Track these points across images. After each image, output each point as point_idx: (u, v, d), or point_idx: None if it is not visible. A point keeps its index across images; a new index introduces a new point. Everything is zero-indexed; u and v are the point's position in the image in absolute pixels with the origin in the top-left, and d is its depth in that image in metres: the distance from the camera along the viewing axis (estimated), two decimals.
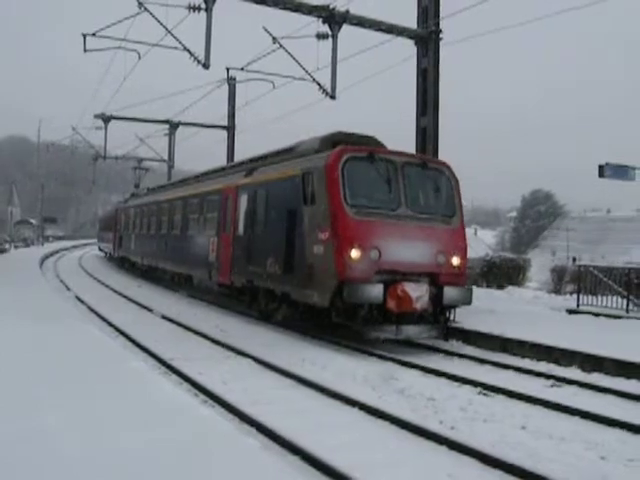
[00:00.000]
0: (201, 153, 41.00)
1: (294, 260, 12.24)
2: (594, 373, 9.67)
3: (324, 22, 15.23)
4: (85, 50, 17.13)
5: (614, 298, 14.68)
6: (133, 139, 35.06)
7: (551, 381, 9.30)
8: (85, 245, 67.55)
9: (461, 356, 11.16)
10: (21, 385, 6.66)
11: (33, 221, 76.13)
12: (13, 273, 23.78)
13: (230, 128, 30.70)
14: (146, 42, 17.35)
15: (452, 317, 12.13)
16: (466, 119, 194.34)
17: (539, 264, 29.83)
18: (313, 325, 12.63)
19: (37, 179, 70.58)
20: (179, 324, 13.73)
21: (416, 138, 16.06)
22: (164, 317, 14.79)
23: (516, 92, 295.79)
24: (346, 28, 15.41)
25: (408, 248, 11.31)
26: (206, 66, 14.59)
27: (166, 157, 36.21)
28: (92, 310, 15.67)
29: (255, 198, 14.50)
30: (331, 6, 14.98)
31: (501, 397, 8.32)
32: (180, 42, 15.08)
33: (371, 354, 11.05)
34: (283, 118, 46.44)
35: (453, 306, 11.95)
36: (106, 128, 31.70)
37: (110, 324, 13.43)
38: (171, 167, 37.00)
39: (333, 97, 15.99)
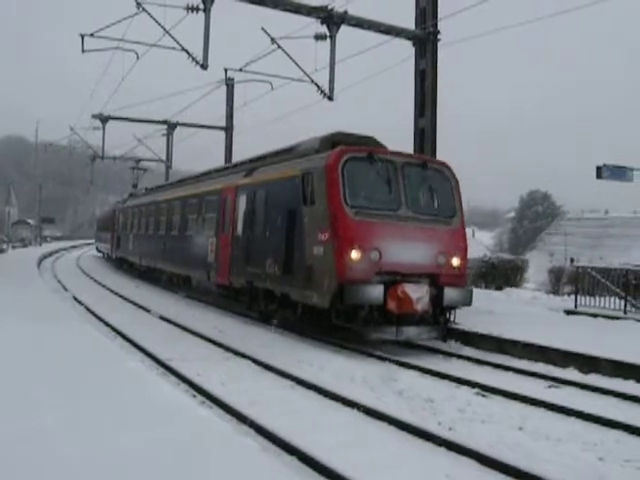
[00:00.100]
0: (199, 154, 41.06)
1: (294, 261, 12.21)
2: (591, 374, 9.68)
3: (322, 23, 15.23)
4: (83, 51, 17.13)
5: (612, 299, 14.70)
6: (131, 139, 35.05)
7: (549, 382, 9.31)
8: (83, 245, 67.47)
9: (460, 357, 11.16)
10: (20, 385, 6.66)
11: (31, 221, 76.08)
12: (11, 273, 23.74)
13: (228, 129, 30.69)
14: (144, 42, 17.37)
15: (452, 318, 12.08)
16: (465, 120, 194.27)
17: (537, 265, 29.85)
18: (313, 326, 12.60)
19: (35, 179, 70.52)
20: (177, 325, 13.72)
21: (414, 139, 16.08)
22: (162, 318, 14.77)
23: (515, 93, 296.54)
24: (344, 29, 15.41)
25: (408, 249, 11.28)
26: (204, 67, 14.59)
27: (164, 157, 36.19)
28: (90, 311, 15.65)
29: (254, 198, 14.46)
30: (329, 7, 14.98)
31: (499, 398, 8.33)
32: (178, 43, 15.08)
33: (370, 355, 11.04)
34: (281, 119, 46.55)
35: (453, 307, 11.89)
36: (104, 128, 31.64)
37: (108, 324, 13.42)
38: (169, 167, 36.96)
39: (331, 98, 16.00)
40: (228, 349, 11.00)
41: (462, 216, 12.44)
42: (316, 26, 15.34)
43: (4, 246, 45.45)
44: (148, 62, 22.53)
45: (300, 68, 16.21)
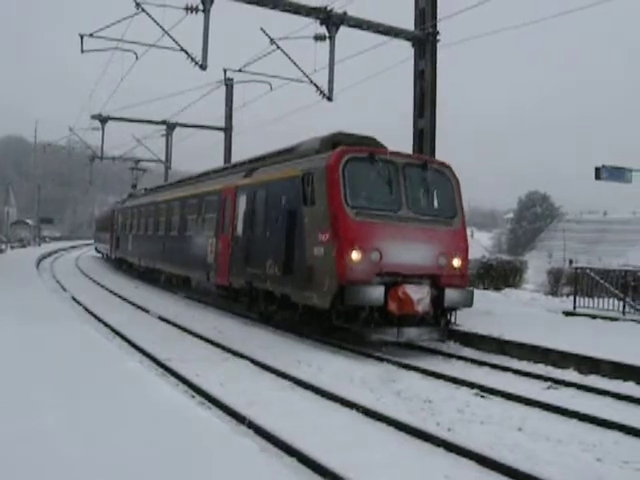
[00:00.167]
0: (198, 154, 40.94)
1: (294, 262, 12.16)
2: (591, 375, 9.67)
3: (322, 24, 15.22)
4: (82, 51, 17.13)
5: (610, 300, 14.71)
6: (130, 140, 35.04)
7: (548, 383, 9.31)
8: (82, 246, 67.45)
9: (460, 358, 11.15)
10: (20, 385, 6.65)
11: (29, 222, 76.00)
12: (9, 274, 23.72)
13: (227, 129, 30.68)
14: (143, 43, 17.36)
15: (453, 319, 12.00)
16: (464, 121, 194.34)
17: (536, 266, 29.86)
18: (313, 327, 12.58)
19: (34, 179, 70.56)
20: (176, 325, 13.71)
21: (413, 140, 16.08)
22: (161, 318, 14.76)
23: (515, 93, 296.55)
24: (344, 30, 15.42)
25: (409, 250, 11.23)
26: (203, 67, 14.58)
27: (163, 158, 36.19)
28: (88, 311, 15.63)
29: (254, 199, 14.42)
30: (329, 8, 14.98)
31: (498, 399, 8.33)
32: (177, 43, 15.08)
33: (369, 356, 11.03)
34: (281, 119, 46.45)
35: (454, 308, 11.83)
36: (103, 129, 31.63)
37: (106, 325, 13.41)
38: (168, 168, 36.96)
39: (330, 99, 15.99)
40: (227, 350, 10.99)
41: (463, 217, 12.39)
42: (315, 27, 15.35)
43: (3, 246, 45.41)
44: (147, 62, 22.56)
45: (299, 69, 16.22)
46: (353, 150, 11.70)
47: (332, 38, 15.32)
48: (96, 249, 48.03)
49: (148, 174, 42.18)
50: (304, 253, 11.81)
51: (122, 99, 28.40)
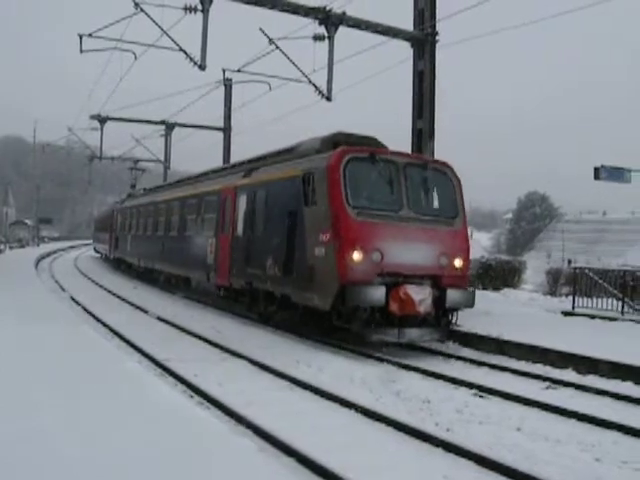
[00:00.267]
0: (197, 154, 40.96)
1: (294, 262, 12.11)
2: (589, 375, 9.68)
3: (321, 24, 15.22)
4: (81, 51, 17.12)
5: (609, 300, 14.71)
6: (129, 140, 35.04)
7: (547, 383, 9.31)
8: (81, 246, 67.43)
9: (458, 358, 11.15)
10: (20, 385, 6.65)
11: (28, 222, 75.99)
12: (8, 274, 23.70)
13: (226, 129, 30.68)
14: (142, 43, 17.37)
15: (455, 320, 11.96)
16: (465, 121, 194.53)
17: (535, 266, 29.88)
18: (313, 328, 12.55)
19: (32, 180, 70.50)
20: (175, 325, 13.70)
21: (412, 140, 16.08)
22: (160, 318, 14.75)
23: (516, 93, 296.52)
24: (342, 30, 15.41)
25: (410, 250, 11.18)
26: (202, 67, 14.57)
27: (162, 158, 36.19)
28: (87, 311, 15.62)
29: (254, 199, 14.39)
30: (328, 8, 14.98)
31: (497, 399, 8.33)
32: (176, 43, 15.08)
33: (369, 356, 11.02)
34: (280, 119, 46.36)
35: (456, 309, 11.78)
36: (102, 129, 31.66)
37: (105, 325, 13.40)
38: (167, 168, 36.97)
39: (329, 99, 15.99)
40: (226, 350, 10.98)
41: (464, 217, 12.34)
42: (314, 27, 15.35)
43: (2, 247, 45.42)
44: (146, 62, 22.57)
45: (298, 69, 16.22)
46: (354, 150, 11.66)
47: (331, 38, 15.32)
48: (95, 249, 48.01)
49: (147, 174, 42.18)
50: (305, 253, 11.76)
51: (121, 99, 28.41)
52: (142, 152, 37.40)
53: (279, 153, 14.92)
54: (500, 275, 21.67)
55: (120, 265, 31.65)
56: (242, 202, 15.08)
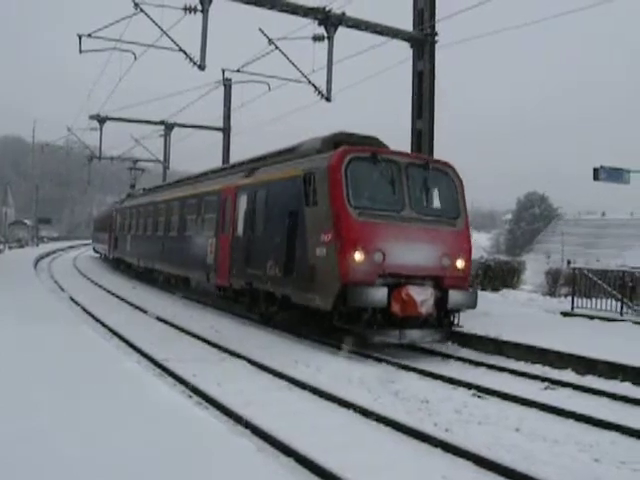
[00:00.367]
0: (197, 154, 40.99)
1: (295, 262, 12.06)
2: (588, 376, 9.69)
3: (320, 24, 15.23)
4: (80, 51, 17.12)
5: (608, 301, 14.70)
6: (128, 140, 35.06)
7: (545, 383, 9.33)
8: (80, 246, 67.41)
9: (457, 359, 11.15)
10: (19, 385, 6.65)
11: (27, 222, 75.94)
12: (7, 274, 23.68)
13: (226, 129, 30.70)
14: (142, 43, 17.38)
15: (456, 321, 11.89)
16: (465, 121, 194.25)
17: (534, 267, 29.85)
18: (313, 328, 12.52)
19: (32, 180, 70.46)
20: (174, 325, 13.70)
21: (411, 140, 16.09)
22: (159, 318, 14.75)
23: (516, 93, 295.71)
24: (342, 30, 15.42)
25: (412, 251, 11.13)
26: (202, 67, 14.57)
27: (161, 158, 36.19)
28: (86, 311, 15.62)
29: (255, 199, 14.35)
30: (327, 8, 14.99)
31: (496, 399, 8.34)
32: (176, 43, 15.08)
33: (368, 357, 11.02)
34: (279, 120, 46.32)
35: (458, 310, 11.72)
36: (101, 129, 31.68)
37: (104, 325, 13.40)
38: (166, 168, 36.99)
39: (328, 99, 15.99)
40: (225, 350, 10.99)
41: (466, 217, 12.29)
42: (314, 27, 15.36)
43: (1, 247, 45.39)
44: (146, 63, 22.56)
45: (297, 69, 16.23)
46: (356, 150, 11.62)
47: (330, 38, 15.33)
48: (94, 249, 48.00)
49: (146, 174, 42.16)
50: (306, 254, 11.71)
51: (120, 99, 28.43)
52: (141, 152, 37.46)
53: (280, 153, 14.88)
54: (499, 275, 21.67)
55: (119, 265, 31.64)
56: (243, 202, 15.05)
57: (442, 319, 11.53)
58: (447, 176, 12.31)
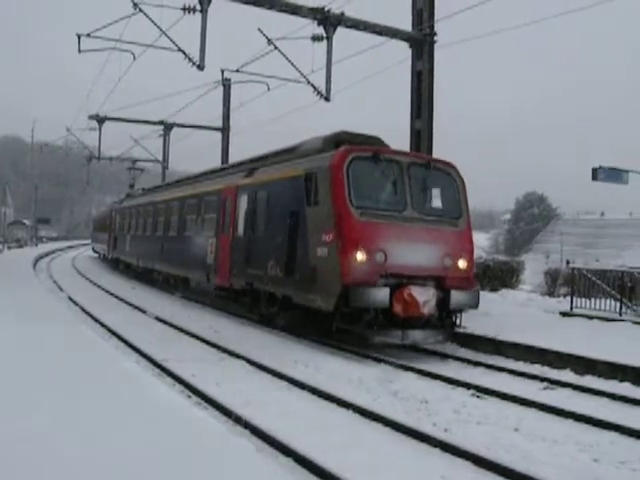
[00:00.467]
0: (196, 154, 40.99)
1: (296, 263, 12.01)
2: (587, 376, 9.70)
3: (319, 24, 15.21)
4: (80, 51, 17.11)
5: (607, 301, 14.71)
6: (127, 140, 35.05)
7: (544, 383, 9.33)
8: (79, 246, 67.37)
9: (456, 359, 11.16)
10: (19, 385, 6.65)
11: (26, 222, 75.83)
12: (6, 274, 23.67)
13: (225, 129, 30.69)
14: (141, 43, 17.37)
15: (459, 322, 11.83)
16: (465, 121, 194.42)
17: (533, 267, 29.87)
18: (314, 329, 12.49)
19: (31, 180, 70.41)
20: (173, 326, 13.70)
21: (410, 140, 16.08)
22: (158, 318, 14.75)
23: (516, 94, 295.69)
24: (341, 30, 15.40)
25: (414, 251, 11.08)
26: (201, 67, 14.56)
27: (160, 158, 36.19)
28: (85, 311, 15.62)
29: (256, 199, 14.30)
30: (326, 8, 14.98)
31: (495, 399, 8.34)
32: (175, 43, 15.06)
33: (367, 357, 11.02)
34: (278, 120, 46.31)
35: (460, 310, 11.67)
36: (100, 129, 31.68)
37: (103, 325, 13.40)
38: (165, 168, 36.99)
39: (328, 99, 15.98)
40: (224, 350, 10.99)
41: (468, 217, 12.24)
42: (313, 27, 15.34)
43: (0, 247, 45.33)
44: (145, 63, 22.51)
45: (297, 69, 16.22)
46: (357, 149, 11.57)
47: (329, 38, 15.32)
48: (93, 249, 47.98)
49: (145, 174, 42.15)
50: (307, 254, 11.66)
51: (119, 99, 28.41)
52: (140, 152, 37.45)
53: (280, 153, 14.84)
54: (498, 276, 21.68)
55: (118, 265, 31.62)
56: (243, 202, 15.01)
57: (444, 320, 11.48)
58: (449, 176, 12.27)
